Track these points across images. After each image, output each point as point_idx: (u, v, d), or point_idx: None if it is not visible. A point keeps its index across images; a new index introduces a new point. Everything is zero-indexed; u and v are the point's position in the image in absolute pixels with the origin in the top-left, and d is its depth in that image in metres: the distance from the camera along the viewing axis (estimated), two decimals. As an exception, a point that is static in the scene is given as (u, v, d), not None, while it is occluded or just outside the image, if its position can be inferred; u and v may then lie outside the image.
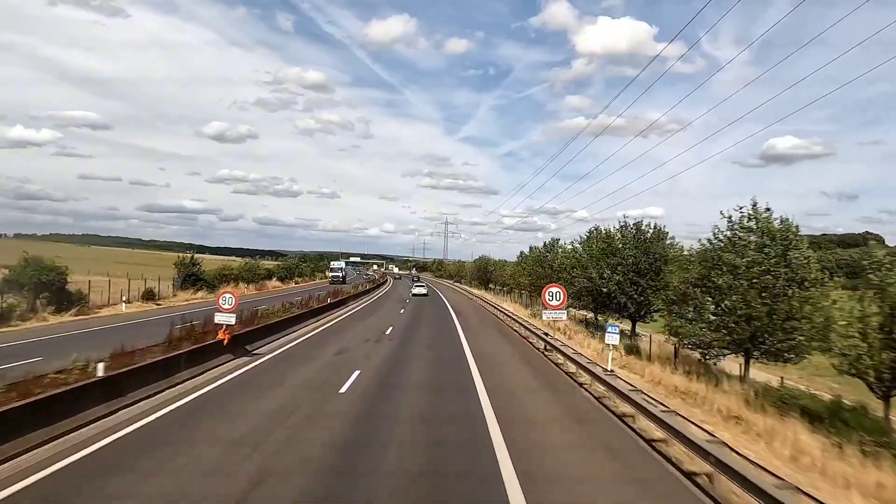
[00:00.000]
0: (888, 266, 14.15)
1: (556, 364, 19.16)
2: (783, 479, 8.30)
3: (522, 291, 54.92)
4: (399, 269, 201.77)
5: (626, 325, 33.08)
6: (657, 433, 10.42)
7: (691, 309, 19.80)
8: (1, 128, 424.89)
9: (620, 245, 31.78)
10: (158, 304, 38.36)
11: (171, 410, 11.57)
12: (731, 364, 21.76)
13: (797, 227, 18.51)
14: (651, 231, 31.41)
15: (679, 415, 12.03)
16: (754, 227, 18.85)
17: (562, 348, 19.43)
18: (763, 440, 11.57)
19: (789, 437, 11.38)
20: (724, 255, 18.65)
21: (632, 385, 14.79)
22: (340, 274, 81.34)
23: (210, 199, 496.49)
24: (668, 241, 30.81)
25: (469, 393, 14.17)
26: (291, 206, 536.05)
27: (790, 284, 17.52)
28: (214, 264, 70.72)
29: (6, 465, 8.12)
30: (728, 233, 19.48)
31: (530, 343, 24.87)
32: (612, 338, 17.11)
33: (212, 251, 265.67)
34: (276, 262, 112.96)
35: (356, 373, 15.99)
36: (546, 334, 23.56)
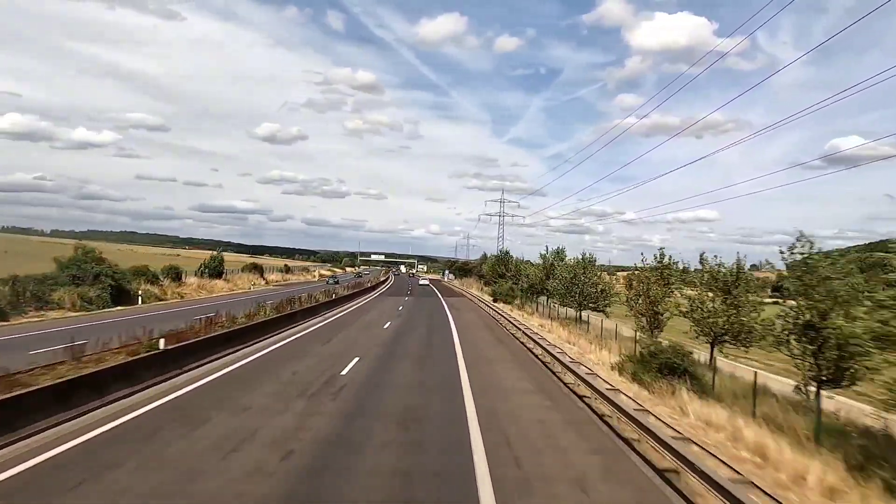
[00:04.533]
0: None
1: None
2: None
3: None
4: (405, 269, 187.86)
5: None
6: None
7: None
8: (65, 129, 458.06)
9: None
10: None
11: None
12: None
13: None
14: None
15: None
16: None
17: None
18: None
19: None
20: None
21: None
22: None
23: (261, 200, 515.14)
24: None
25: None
26: (339, 206, 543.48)
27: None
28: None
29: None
30: None
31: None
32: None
33: (259, 250, 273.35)
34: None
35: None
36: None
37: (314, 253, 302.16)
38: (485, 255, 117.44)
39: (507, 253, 68.89)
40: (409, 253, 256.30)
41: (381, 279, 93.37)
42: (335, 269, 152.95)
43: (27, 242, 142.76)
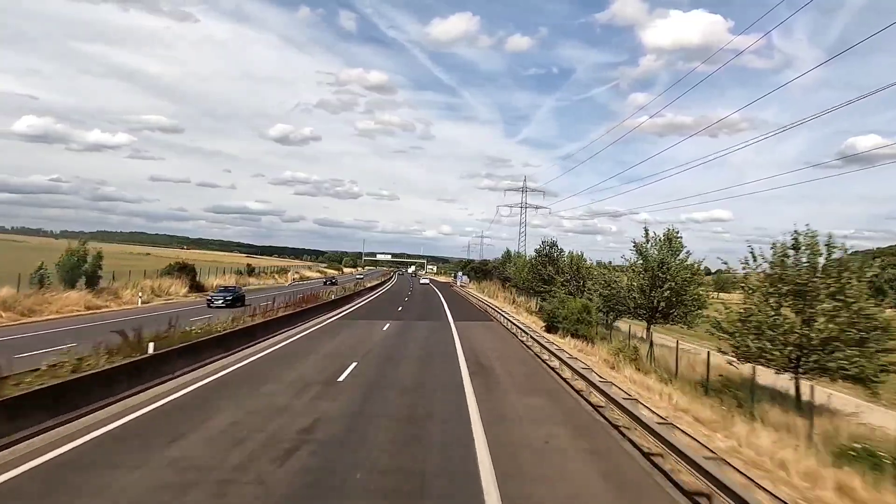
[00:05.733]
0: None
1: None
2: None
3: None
4: (413, 269, 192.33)
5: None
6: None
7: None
8: (80, 131, 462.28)
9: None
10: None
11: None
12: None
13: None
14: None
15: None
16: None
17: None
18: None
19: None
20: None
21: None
22: None
23: (273, 201, 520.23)
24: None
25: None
26: (351, 207, 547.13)
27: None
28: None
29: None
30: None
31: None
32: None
33: (268, 251, 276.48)
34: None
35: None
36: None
37: (322, 253, 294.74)
38: (508, 253, 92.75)
39: (555, 245, 44.19)
40: (421, 253, 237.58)
41: (369, 285, 69.08)
42: (325, 271, 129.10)
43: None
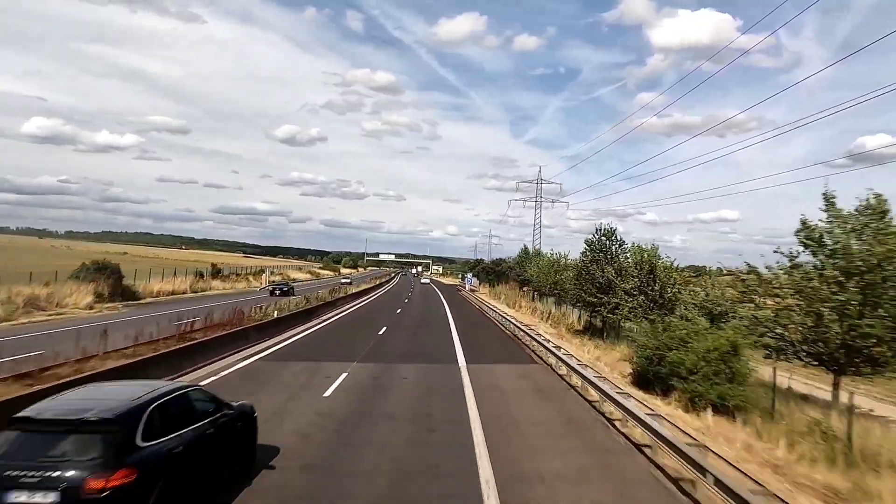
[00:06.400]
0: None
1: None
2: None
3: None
4: (420, 269, 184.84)
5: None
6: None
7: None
8: (88, 133, 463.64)
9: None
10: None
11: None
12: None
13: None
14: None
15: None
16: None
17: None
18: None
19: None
20: None
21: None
22: None
23: (280, 202, 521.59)
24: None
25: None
26: (357, 208, 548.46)
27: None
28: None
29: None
30: None
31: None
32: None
33: (275, 251, 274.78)
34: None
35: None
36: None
37: (328, 254, 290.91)
38: (526, 251, 79.17)
39: (613, 234, 30.43)
40: (427, 254, 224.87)
41: (355, 290, 55.45)
42: (319, 272, 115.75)
43: None
